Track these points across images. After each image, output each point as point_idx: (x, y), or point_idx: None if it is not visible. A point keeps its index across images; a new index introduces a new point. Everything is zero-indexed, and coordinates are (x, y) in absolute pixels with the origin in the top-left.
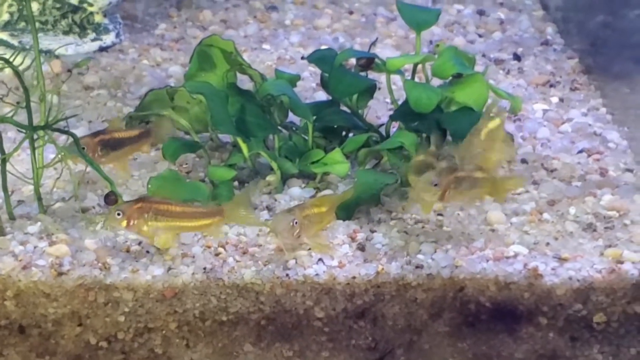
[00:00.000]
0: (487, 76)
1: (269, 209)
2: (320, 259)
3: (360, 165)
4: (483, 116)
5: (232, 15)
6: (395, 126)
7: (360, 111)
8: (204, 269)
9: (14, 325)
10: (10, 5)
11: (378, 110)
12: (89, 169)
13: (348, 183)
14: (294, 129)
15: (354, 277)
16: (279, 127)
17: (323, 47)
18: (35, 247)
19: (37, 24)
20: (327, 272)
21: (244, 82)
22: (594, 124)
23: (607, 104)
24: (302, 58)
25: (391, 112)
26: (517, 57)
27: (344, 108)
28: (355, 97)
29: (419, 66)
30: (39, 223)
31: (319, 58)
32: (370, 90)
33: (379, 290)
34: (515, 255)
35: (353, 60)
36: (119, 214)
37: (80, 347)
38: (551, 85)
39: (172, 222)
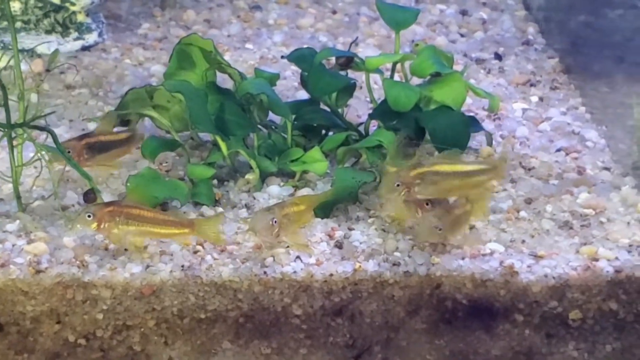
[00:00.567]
0: (465, 75)
1: (247, 207)
2: (298, 257)
3: (339, 164)
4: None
5: (216, 15)
6: (374, 125)
7: (340, 110)
8: (182, 266)
9: None
10: None
11: (359, 109)
12: (68, 167)
13: (327, 181)
14: (273, 127)
15: (331, 275)
16: (259, 126)
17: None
18: (13, 245)
19: (19, 23)
20: (305, 269)
21: (227, 81)
22: (572, 123)
23: (586, 103)
24: (282, 57)
25: (371, 111)
26: (498, 57)
27: (324, 107)
28: (334, 95)
29: (399, 65)
30: (18, 221)
31: (299, 57)
32: (349, 89)
33: (357, 287)
34: (492, 253)
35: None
36: (89, 216)
37: (59, 345)
38: (531, 85)
39: (142, 227)
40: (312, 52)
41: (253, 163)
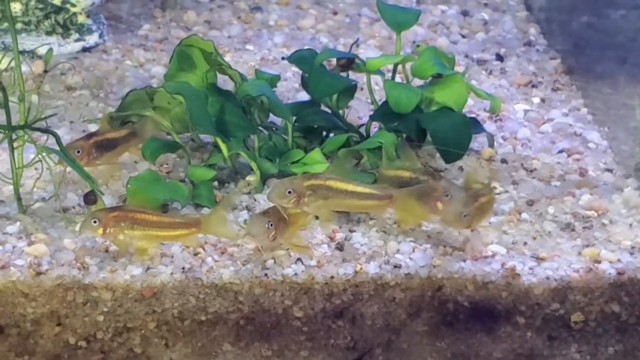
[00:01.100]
0: (467, 76)
1: (248, 209)
2: (298, 259)
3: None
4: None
5: (216, 16)
6: (375, 126)
7: (340, 111)
8: (183, 268)
9: None
10: None
11: (360, 111)
12: (69, 168)
13: None
14: (274, 129)
15: (332, 277)
16: (260, 127)
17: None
18: (14, 247)
19: (20, 25)
20: (306, 271)
21: (228, 83)
22: (574, 124)
23: (588, 104)
24: (283, 58)
25: (372, 113)
26: (499, 58)
27: (325, 108)
28: (335, 97)
29: (400, 66)
30: (18, 223)
31: (299, 58)
32: (350, 90)
33: (358, 289)
34: (494, 255)
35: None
36: (95, 222)
37: (59, 347)
38: (533, 86)
39: (148, 231)
40: (312, 53)
41: (254, 165)
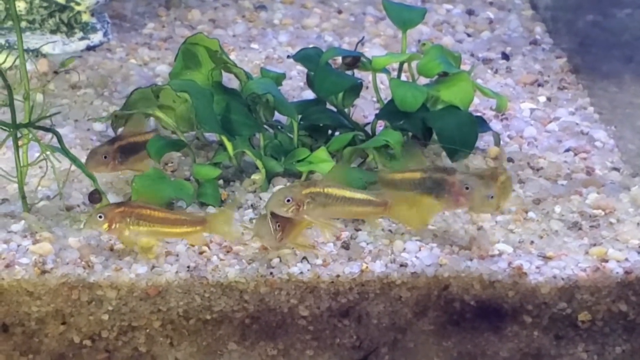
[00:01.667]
0: (472, 75)
1: (253, 207)
2: (304, 258)
3: (345, 164)
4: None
5: (221, 15)
6: (381, 125)
7: (346, 110)
8: (188, 267)
9: None
10: None
11: (365, 109)
12: (73, 167)
13: None
14: (279, 127)
15: (338, 276)
16: (265, 126)
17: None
18: (18, 246)
19: (24, 23)
20: (312, 270)
21: (233, 81)
22: (581, 123)
23: (594, 103)
24: (288, 57)
25: (378, 111)
26: (505, 57)
27: (331, 107)
28: (340, 95)
29: (405, 65)
30: (23, 221)
31: (305, 57)
32: (355, 89)
33: (364, 288)
34: (500, 254)
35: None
36: (100, 217)
37: (64, 346)
38: (539, 85)
39: (154, 228)
40: (318, 51)
41: (259, 163)
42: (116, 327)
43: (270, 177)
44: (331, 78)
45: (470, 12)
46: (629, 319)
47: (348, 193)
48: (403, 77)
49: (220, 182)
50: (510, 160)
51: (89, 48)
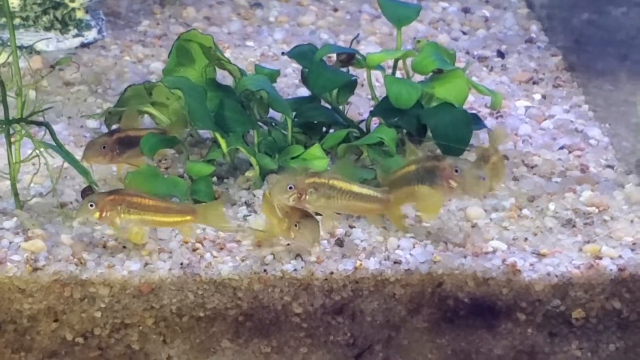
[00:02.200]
0: (467, 73)
1: (247, 204)
2: (298, 255)
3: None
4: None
5: (216, 12)
6: (376, 122)
7: (340, 107)
8: (181, 264)
9: None
10: None
11: (360, 106)
12: (66, 164)
13: None
14: (273, 124)
15: (332, 273)
16: (259, 123)
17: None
18: (10, 243)
19: (18, 20)
20: (305, 267)
21: (227, 78)
22: (575, 121)
23: (589, 101)
24: (283, 54)
25: (372, 108)
26: (500, 54)
27: (325, 104)
28: (335, 92)
29: (400, 62)
30: (15, 218)
31: (299, 53)
32: (350, 85)
33: (357, 285)
34: (494, 251)
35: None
36: (91, 205)
37: (57, 343)
38: (534, 82)
39: (145, 216)
40: (312, 48)
41: (253, 160)
42: (109, 324)
43: (264, 174)
44: (326, 75)
45: (466, 10)
46: (622, 316)
47: (354, 187)
48: (398, 74)
49: (214, 179)
50: (505, 157)
51: (83, 45)
